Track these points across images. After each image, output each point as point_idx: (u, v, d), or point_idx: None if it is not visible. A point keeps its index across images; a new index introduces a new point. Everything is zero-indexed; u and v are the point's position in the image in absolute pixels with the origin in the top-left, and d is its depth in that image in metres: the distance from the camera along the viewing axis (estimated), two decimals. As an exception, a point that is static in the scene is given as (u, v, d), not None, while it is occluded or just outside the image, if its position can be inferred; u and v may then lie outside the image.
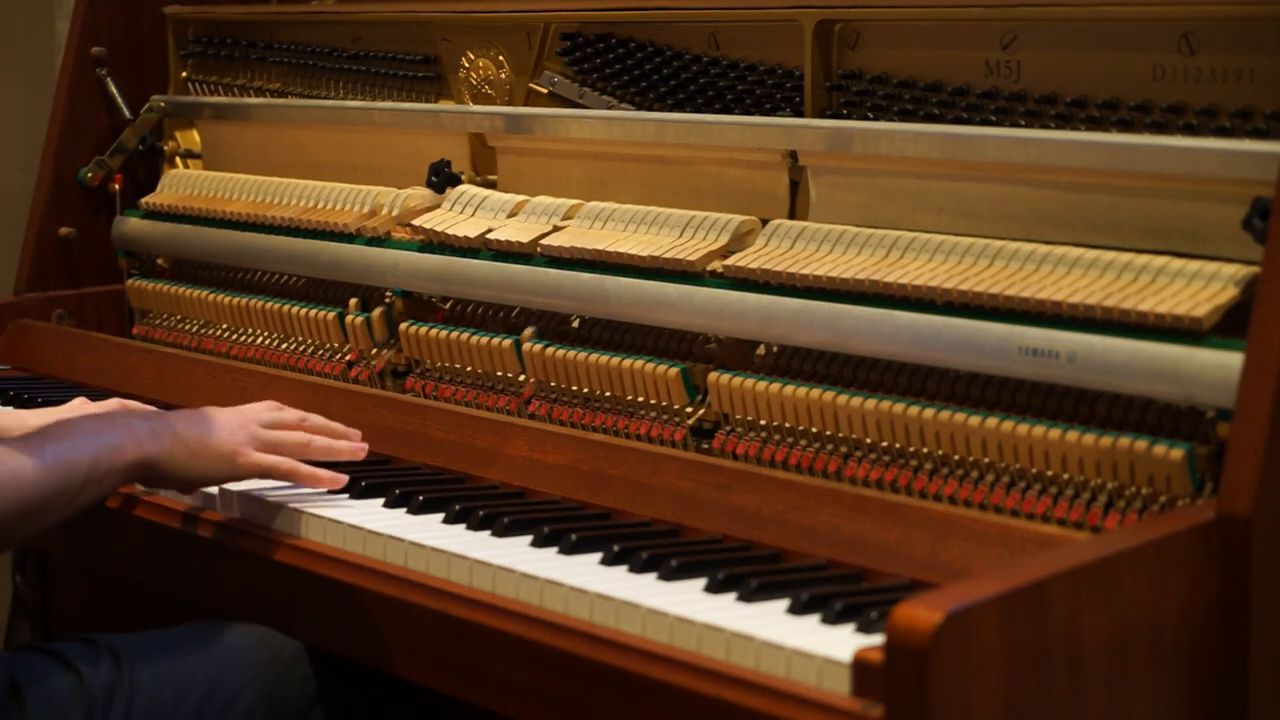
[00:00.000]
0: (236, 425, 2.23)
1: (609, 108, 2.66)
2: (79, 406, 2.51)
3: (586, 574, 1.97)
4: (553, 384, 2.47)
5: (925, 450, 2.10)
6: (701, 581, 1.93)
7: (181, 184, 3.16)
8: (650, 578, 1.96)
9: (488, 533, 2.14)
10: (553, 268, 2.50)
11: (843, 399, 2.17)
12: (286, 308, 2.86)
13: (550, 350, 2.46)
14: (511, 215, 2.62)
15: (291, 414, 2.32)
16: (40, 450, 2.05)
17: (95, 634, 2.17)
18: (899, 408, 2.11)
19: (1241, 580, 1.76)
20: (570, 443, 2.32)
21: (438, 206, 2.71)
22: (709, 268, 2.35)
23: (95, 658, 2.11)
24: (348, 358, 2.77)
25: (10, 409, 2.46)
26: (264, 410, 2.31)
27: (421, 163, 2.77)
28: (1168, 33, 2.09)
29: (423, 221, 2.68)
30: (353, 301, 2.77)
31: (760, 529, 2.08)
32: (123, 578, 2.61)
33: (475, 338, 2.55)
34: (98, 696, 2.07)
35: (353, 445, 2.33)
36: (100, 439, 2.11)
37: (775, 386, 2.23)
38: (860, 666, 1.65)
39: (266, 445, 2.25)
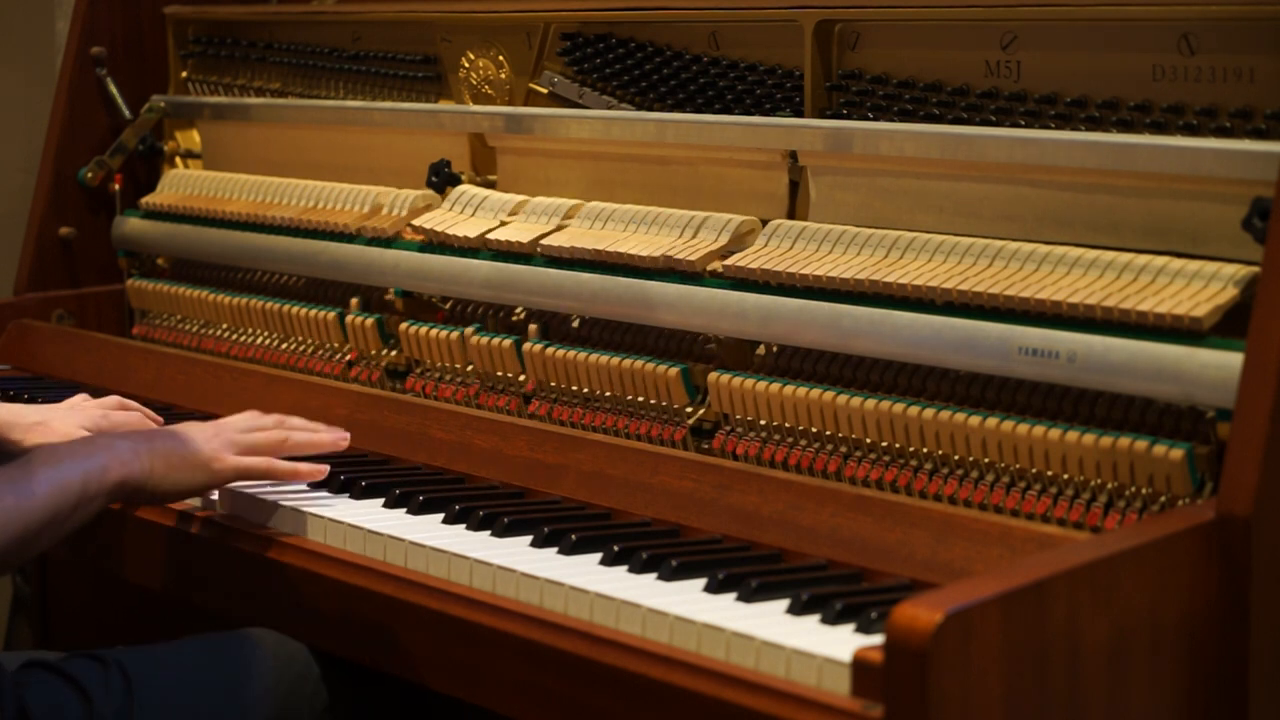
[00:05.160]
0: (211, 434, 2.24)
1: (609, 108, 2.66)
2: (79, 402, 2.52)
3: (586, 574, 1.97)
4: (553, 384, 2.47)
5: (925, 450, 2.10)
6: (701, 581, 1.93)
7: (181, 184, 3.16)
8: (650, 578, 1.96)
9: (488, 533, 2.14)
10: (553, 268, 2.50)
11: (843, 399, 2.17)
12: (286, 308, 2.86)
13: (551, 350, 2.46)
14: (511, 215, 2.62)
15: (269, 418, 2.32)
16: (35, 477, 2.06)
17: (105, 650, 2.15)
18: (899, 408, 2.11)
19: (1241, 580, 1.76)
20: (570, 443, 2.32)
21: (437, 207, 2.72)
22: (709, 268, 2.35)
23: (105, 679, 2.09)
24: (348, 358, 2.77)
25: (5, 405, 2.47)
26: (241, 419, 2.30)
27: (421, 163, 2.77)
28: (1168, 33, 2.09)
29: (423, 221, 2.68)
30: (354, 301, 2.77)
31: (760, 529, 2.08)
32: (118, 577, 2.61)
33: (476, 337, 2.56)
34: None
35: (334, 435, 2.33)
36: (87, 461, 2.11)
37: (775, 386, 2.23)
38: (860, 666, 1.65)
39: (243, 448, 2.25)
